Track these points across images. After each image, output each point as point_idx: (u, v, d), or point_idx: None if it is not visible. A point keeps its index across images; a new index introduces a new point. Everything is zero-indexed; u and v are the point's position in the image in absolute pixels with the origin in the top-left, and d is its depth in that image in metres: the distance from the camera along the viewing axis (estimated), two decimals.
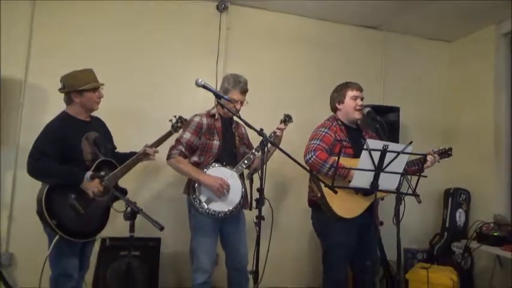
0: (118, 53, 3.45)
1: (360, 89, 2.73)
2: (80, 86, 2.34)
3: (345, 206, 2.49)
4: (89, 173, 2.23)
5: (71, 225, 2.22)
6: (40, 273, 2.32)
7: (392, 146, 2.20)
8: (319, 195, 2.54)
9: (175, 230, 3.27)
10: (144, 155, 2.56)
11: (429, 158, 2.63)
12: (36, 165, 2.20)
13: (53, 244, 2.22)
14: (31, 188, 2.28)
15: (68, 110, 2.39)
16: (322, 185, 2.45)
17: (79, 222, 2.24)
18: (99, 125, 2.54)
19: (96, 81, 2.42)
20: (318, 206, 2.58)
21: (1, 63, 3.02)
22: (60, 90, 2.38)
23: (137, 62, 3.49)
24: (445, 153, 2.71)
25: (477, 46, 4.07)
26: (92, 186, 2.26)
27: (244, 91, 2.67)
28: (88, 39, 3.37)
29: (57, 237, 2.20)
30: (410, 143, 2.23)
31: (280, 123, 2.74)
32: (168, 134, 2.68)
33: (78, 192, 2.25)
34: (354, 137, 2.67)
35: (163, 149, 2.66)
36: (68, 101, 2.38)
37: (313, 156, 2.51)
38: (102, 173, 2.32)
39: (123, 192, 2.46)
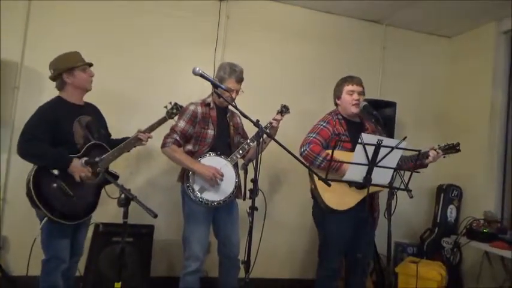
0: (116, 39, 3.41)
1: (358, 83, 2.72)
2: (70, 65, 2.34)
3: (337, 198, 2.52)
4: (83, 159, 2.23)
5: (60, 207, 2.22)
6: (32, 256, 2.34)
7: (386, 140, 2.21)
8: (313, 186, 2.58)
9: (169, 218, 3.29)
10: (136, 140, 2.56)
11: (431, 153, 2.62)
12: (26, 147, 2.20)
13: (41, 225, 2.23)
14: (25, 171, 2.28)
15: (61, 95, 2.39)
16: (315, 177, 2.47)
17: (68, 205, 2.25)
18: (93, 111, 2.54)
19: (84, 61, 2.42)
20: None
21: None
22: (51, 75, 2.38)
23: (135, 49, 3.46)
24: (452, 149, 2.68)
25: (477, 43, 4.06)
26: (79, 170, 2.27)
27: (240, 80, 2.66)
28: (85, 24, 3.33)
29: (45, 219, 2.20)
30: (405, 138, 2.24)
31: (277, 113, 2.74)
32: (163, 120, 2.67)
33: (68, 174, 2.26)
34: (354, 131, 2.66)
35: (158, 137, 2.66)
36: (61, 84, 2.38)
37: (307, 149, 2.56)
38: (97, 159, 2.33)
39: (115, 176, 2.46)
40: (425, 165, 2.67)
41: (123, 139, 2.59)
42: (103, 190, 2.47)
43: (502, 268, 3.43)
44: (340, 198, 2.53)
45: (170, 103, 2.72)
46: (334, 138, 2.61)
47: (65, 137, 2.29)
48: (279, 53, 3.87)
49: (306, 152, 2.55)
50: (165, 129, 2.68)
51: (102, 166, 2.35)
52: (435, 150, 2.65)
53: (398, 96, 3.92)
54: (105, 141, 2.53)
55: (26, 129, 2.23)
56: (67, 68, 2.34)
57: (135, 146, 2.61)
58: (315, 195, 2.62)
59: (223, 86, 2.39)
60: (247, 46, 3.74)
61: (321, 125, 2.68)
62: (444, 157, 2.68)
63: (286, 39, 3.89)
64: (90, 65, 2.47)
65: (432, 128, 4.23)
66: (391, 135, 3.58)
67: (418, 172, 2.28)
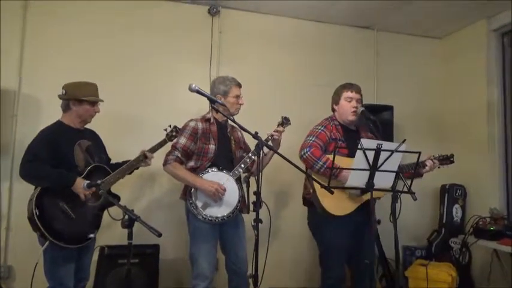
0: (110, 59, 3.44)
1: (356, 90, 2.73)
2: (81, 96, 2.39)
3: (336, 203, 2.49)
4: (86, 182, 2.23)
5: (62, 230, 2.21)
6: (36, 284, 2.31)
7: (386, 144, 2.21)
8: (311, 191, 2.56)
9: (174, 236, 3.28)
10: (139, 161, 2.60)
11: (428, 162, 2.65)
12: (28, 167, 2.21)
13: (43, 248, 2.21)
14: (28, 199, 2.26)
15: (62, 119, 2.43)
16: (314, 182, 2.46)
17: (70, 227, 2.24)
18: (92, 136, 2.57)
19: (97, 96, 2.47)
20: (312, 205, 2.59)
21: None
22: (61, 96, 2.41)
23: (129, 68, 3.49)
24: (446, 160, 2.70)
25: (468, 42, 4.09)
26: (82, 190, 2.27)
27: (240, 84, 2.73)
28: (80, 47, 3.37)
29: (47, 243, 2.19)
30: (404, 141, 2.24)
31: (278, 125, 2.75)
32: (163, 143, 2.74)
33: (70, 196, 2.26)
34: (350, 137, 2.67)
35: (159, 156, 2.67)
36: (65, 108, 2.42)
37: (308, 152, 2.54)
38: (99, 181, 2.33)
39: (116, 198, 2.46)
40: (421, 175, 2.67)
41: (124, 162, 2.61)
42: (105, 212, 2.46)
43: None
44: (339, 203, 2.50)
45: (170, 126, 2.76)
46: (331, 143, 2.61)
47: (66, 160, 2.30)
48: (273, 64, 3.90)
49: (306, 155, 2.53)
50: (167, 148, 2.69)
51: (104, 188, 2.34)
52: (431, 160, 2.67)
53: (394, 99, 3.94)
54: (106, 165, 2.54)
55: (28, 150, 2.25)
56: (77, 97, 2.38)
57: (137, 168, 2.64)
58: (312, 200, 2.57)
59: (219, 101, 2.41)
60: (241, 59, 3.78)
61: (319, 128, 2.68)
62: (439, 167, 2.71)
63: (279, 50, 3.93)
64: (101, 101, 2.50)
65: (430, 130, 4.24)
66: (390, 139, 3.59)
67: (420, 177, 2.27)
